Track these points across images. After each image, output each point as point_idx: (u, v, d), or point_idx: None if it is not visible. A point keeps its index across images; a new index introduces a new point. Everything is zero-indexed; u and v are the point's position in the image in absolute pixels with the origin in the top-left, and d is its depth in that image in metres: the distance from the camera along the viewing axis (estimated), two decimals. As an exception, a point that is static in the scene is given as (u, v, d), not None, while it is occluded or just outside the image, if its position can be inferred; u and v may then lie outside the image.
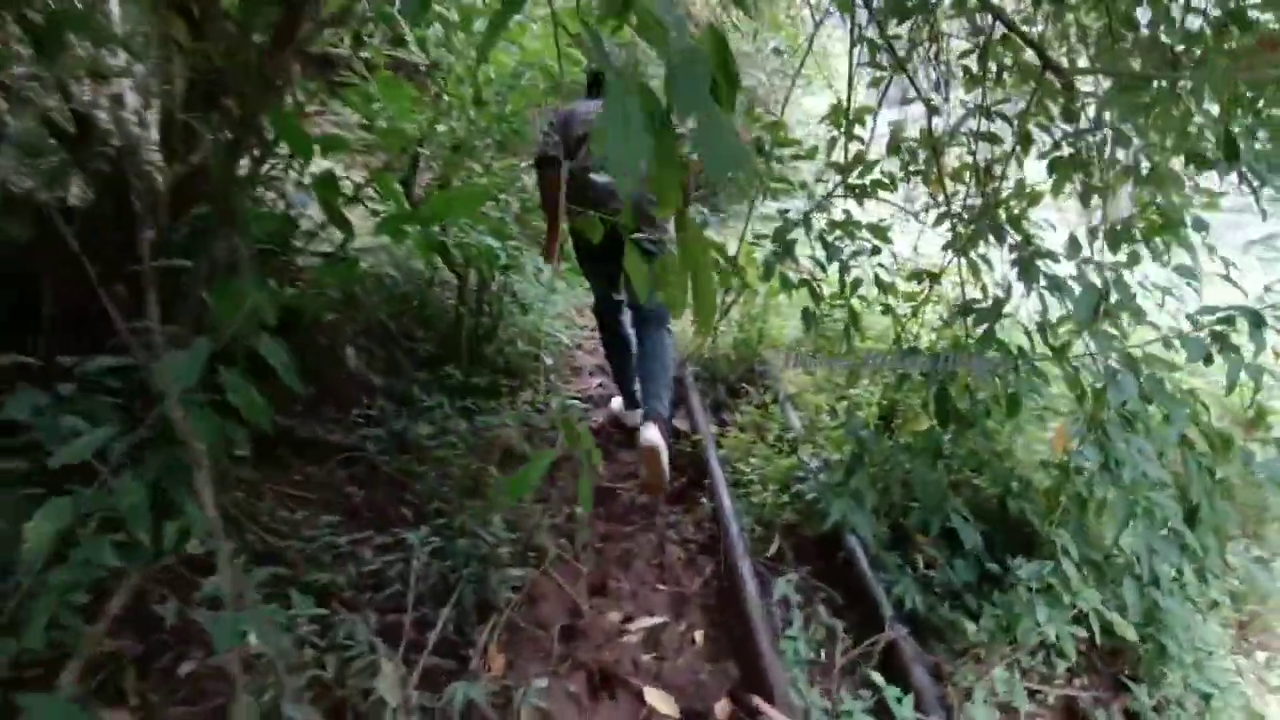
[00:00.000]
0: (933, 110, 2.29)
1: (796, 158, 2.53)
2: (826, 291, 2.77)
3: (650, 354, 3.04)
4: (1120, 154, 2.18)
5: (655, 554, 2.50)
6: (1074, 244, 1.97)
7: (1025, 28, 2.61)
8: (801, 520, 2.53)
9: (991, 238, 2.36)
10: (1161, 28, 2.29)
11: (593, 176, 3.19)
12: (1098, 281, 2.03)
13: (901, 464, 2.24)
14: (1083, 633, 1.80)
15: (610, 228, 3.20)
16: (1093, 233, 2.42)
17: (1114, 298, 2.07)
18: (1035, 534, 2.31)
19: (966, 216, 2.47)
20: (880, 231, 2.51)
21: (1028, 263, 2.22)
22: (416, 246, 1.84)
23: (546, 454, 1.19)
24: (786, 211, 2.38)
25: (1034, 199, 2.43)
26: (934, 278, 2.38)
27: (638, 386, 3.20)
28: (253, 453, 2.62)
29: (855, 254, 2.42)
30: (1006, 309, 2.38)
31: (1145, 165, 2.24)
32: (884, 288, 2.45)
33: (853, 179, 2.49)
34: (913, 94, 2.62)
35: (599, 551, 2.49)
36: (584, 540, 2.52)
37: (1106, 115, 2.05)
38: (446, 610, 2.12)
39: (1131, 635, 1.78)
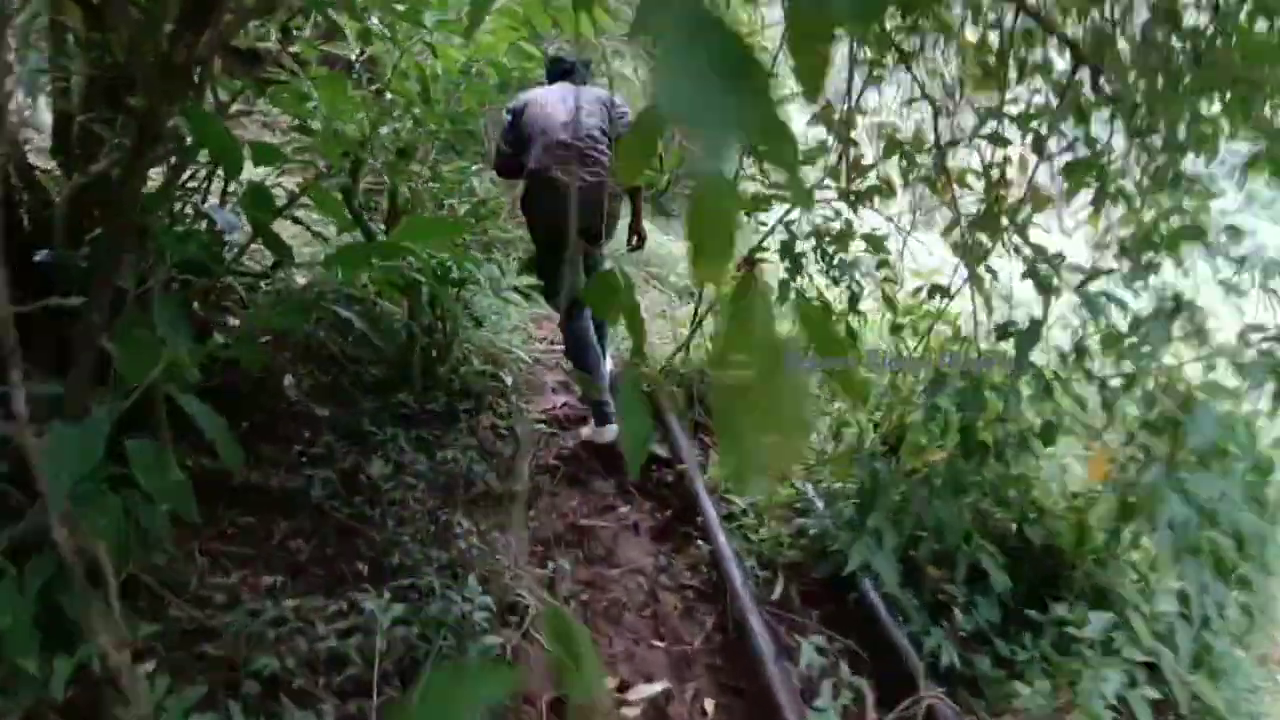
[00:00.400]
0: (938, 110, 2.11)
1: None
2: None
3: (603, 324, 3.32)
4: (1139, 157, 2.04)
5: (647, 603, 2.25)
6: (1137, 270, 1.81)
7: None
8: (805, 558, 2.32)
9: (1001, 247, 2.19)
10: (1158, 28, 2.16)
11: (560, 180, 3.08)
12: (1128, 298, 1.87)
13: (915, 495, 2.05)
14: (1154, 694, 1.64)
15: (578, 230, 3.04)
16: (1100, 244, 2.28)
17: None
18: (1059, 565, 2.15)
19: (970, 224, 2.30)
20: (876, 241, 2.32)
21: (1045, 276, 2.05)
22: (378, 285, 1.54)
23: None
24: (792, 223, 2.16)
25: (1040, 205, 2.27)
26: (946, 293, 2.20)
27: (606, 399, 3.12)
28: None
29: (851, 265, 2.22)
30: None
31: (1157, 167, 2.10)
32: (891, 305, 2.26)
33: (846, 184, 2.28)
34: (907, 94, 2.43)
35: (584, 604, 2.23)
36: (566, 591, 2.25)
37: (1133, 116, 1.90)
38: (417, 691, 1.83)
39: (1219, 703, 1.63)
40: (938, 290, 2.19)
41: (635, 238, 3.38)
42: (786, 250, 2.11)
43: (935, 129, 2.11)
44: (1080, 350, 1.82)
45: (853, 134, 2.33)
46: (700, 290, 3.48)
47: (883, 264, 2.24)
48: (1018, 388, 1.84)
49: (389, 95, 3.18)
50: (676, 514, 2.69)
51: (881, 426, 2.64)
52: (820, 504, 2.49)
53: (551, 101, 3.19)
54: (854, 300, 2.23)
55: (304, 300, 1.71)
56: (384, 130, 3.23)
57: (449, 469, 2.80)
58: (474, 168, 4.02)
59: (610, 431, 3.14)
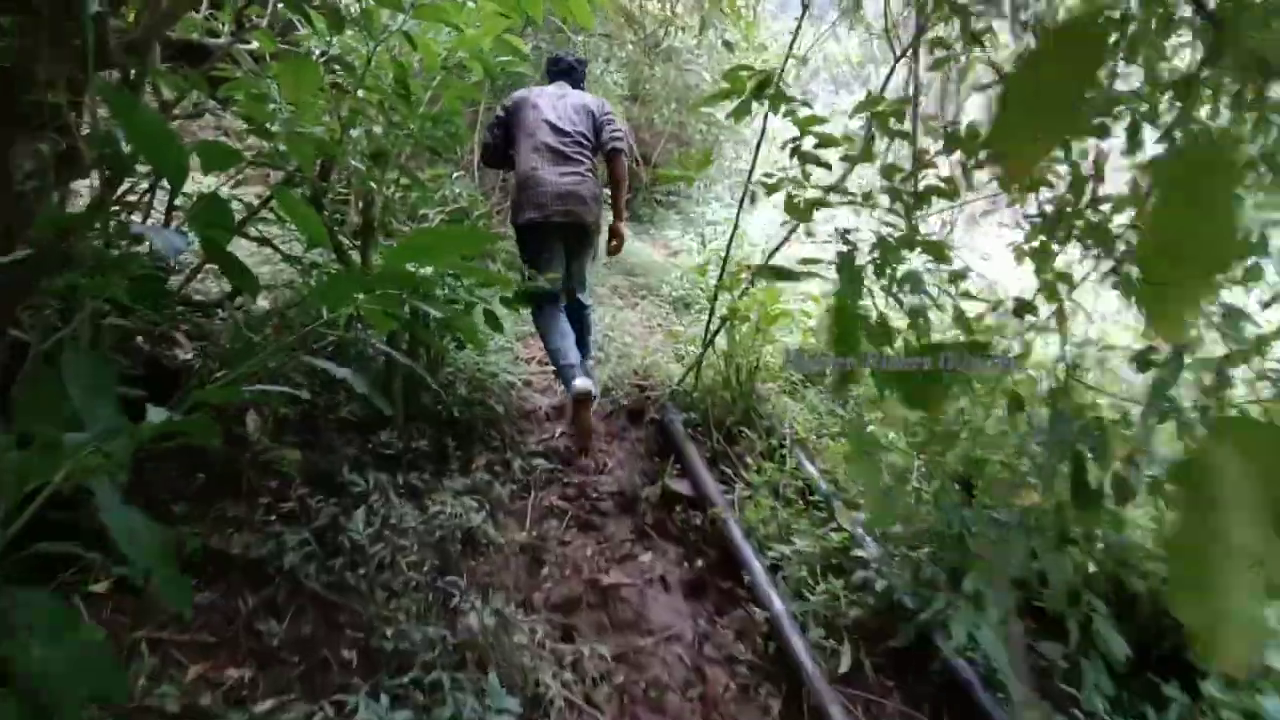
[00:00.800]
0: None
1: (849, 159, 2.00)
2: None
3: (583, 327, 3.51)
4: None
5: (692, 680, 1.91)
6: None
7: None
8: (872, 618, 2.00)
9: (1083, 251, 1.90)
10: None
11: (544, 177, 3.19)
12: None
13: (1010, 545, 1.74)
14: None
15: (559, 225, 3.20)
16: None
17: None
18: (1162, 617, 1.86)
19: (1044, 226, 2.02)
20: (938, 249, 2.02)
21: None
22: (374, 323, 1.18)
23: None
24: (849, 231, 1.84)
25: (1120, 204, 1.99)
26: (1030, 309, 1.90)
27: (574, 361, 3.31)
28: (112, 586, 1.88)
29: (915, 278, 1.91)
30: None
31: None
32: (966, 324, 1.94)
33: (914, 183, 1.98)
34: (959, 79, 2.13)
35: (618, 687, 1.87)
36: (595, 672, 1.90)
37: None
38: (429, 828, 1.47)
39: None
40: (1023, 307, 1.89)
41: (614, 240, 3.52)
42: (846, 265, 1.79)
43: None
44: (1222, 377, 1.54)
45: (905, 125, 2.03)
46: (712, 304, 3.16)
47: (956, 276, 1.93)
48: (1149, 424, 1.56)
49: (361, 92, 2.81)
50: (711, 565, 2.35)
51: (927, 453, 2.32)
52: (874, 549, 2.17)
53: (543, 105, 3.30)
54: (918, 317, 1.93)
55: (276, 356, 1.34)
56: (355, 132, 2.86)
57: (443, 521, 2.42)
58: (455, 174, 3.65)
59: (583, 383, 3.14)
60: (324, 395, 2.77)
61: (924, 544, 2.05)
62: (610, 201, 3.44)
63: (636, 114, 7.38)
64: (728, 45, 5.55)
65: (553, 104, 3.30)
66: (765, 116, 2.81)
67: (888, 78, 2.62)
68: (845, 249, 1.67)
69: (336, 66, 2.58)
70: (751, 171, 2.90)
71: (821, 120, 2.01)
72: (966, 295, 1.92)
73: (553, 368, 3.47)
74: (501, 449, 3.12)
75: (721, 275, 3.16)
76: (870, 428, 2.99)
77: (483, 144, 3.48)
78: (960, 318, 1.85)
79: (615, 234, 3.49)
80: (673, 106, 6.69)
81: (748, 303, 3.09)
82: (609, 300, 5.30)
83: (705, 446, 3.00)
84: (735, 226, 3.07)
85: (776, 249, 2.79)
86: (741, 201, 2.94)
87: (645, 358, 3.93)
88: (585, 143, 3.28)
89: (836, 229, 1.81)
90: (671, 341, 4.22)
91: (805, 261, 1.90)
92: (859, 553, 2.14)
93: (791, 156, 2.05)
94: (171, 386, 2.47)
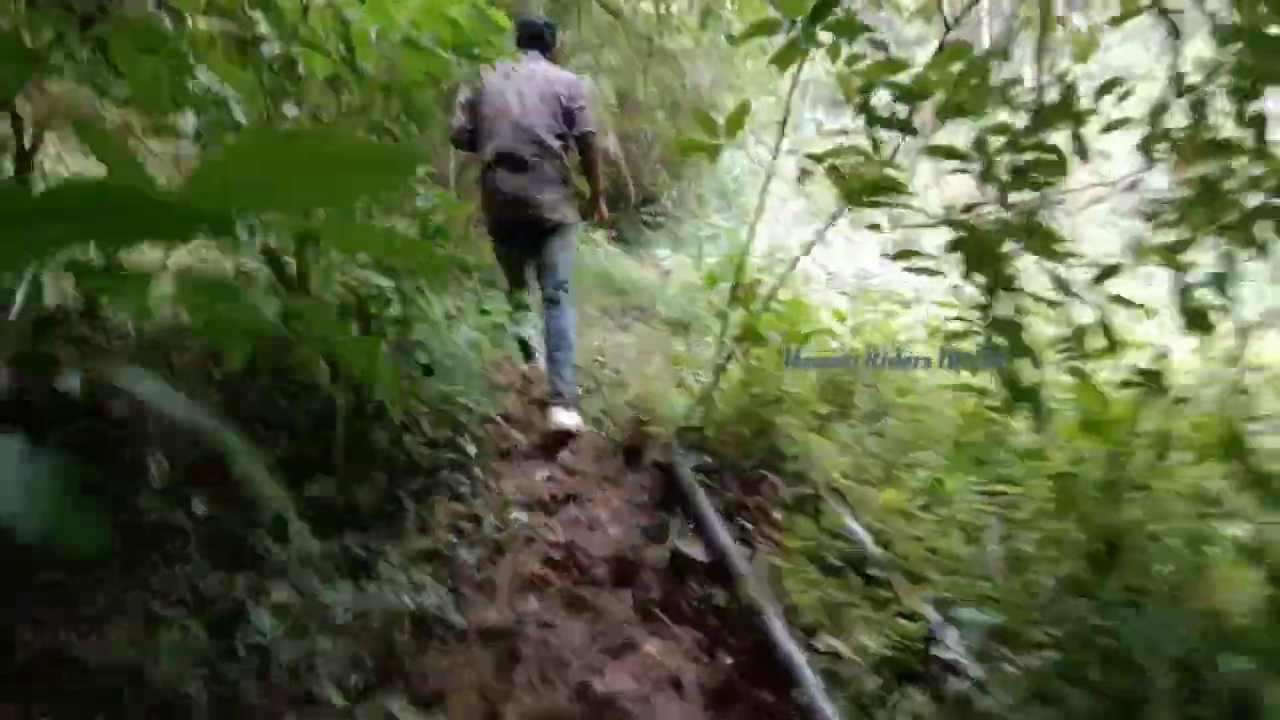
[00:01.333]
0: (1175, 30, 1.31)
1: (946, 111, 1.47)
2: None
3: (559, 334, 3.22)
4: None
5: None
6: None
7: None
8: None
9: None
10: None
11: (503, 183, 3.15)
12: None
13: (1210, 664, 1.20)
14: None
15: (522, 224, 3.21)
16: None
17: None
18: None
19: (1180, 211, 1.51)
20: (1047, 238, 1.49)
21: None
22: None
23: None
24: (971, 208, 1.31)
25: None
26: (1204, 323, 1.37)
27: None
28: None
29: (1072, 286, 1.37)
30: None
31: None
32: (1110, 335, 1.40)
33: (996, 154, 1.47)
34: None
35: None
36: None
37: None
38: None
39: None
40: (1198, 319, 1.36)
41: (596, 215, 3.63)
42: (970, 250, 1.24)
43: (1174, 60, 1.31)
44: None
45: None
46: (724, 323, 2.64)
47: (1107, 273, 1.38)
48: None
49: (299, 63, 2.28)
50: (741, 663, 1.78)
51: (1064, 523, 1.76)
52: (960, 645, 1.61)
53: (509, 98, 3.19)
54: (1081, 334, 1.39)
55: None
56: (290, 109, 2.32)
57: (387, 601, 1.84)
58: (420, 171, 3.12)
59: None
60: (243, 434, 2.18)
61: (1037, 638, 1.50)
62: (587, 186, 3.52)
63: (625, 127, 6.91)
64: (731, 40, 5.08)
65: (519, 90, 3.17)
66: (791, 90, 2.33)
67: (939, 48, 2.12)
68: (962, 234, 1.14)
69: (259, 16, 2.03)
70: (779, 145, 2.39)
71: (900, 66, 1.50)
72: (1119, 300, 1.39)
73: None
74: (470, 499, 2.55)
75: (735, 288, 2.63)
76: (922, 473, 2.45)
77: (454, 125, 3.40)
78: (1107, 333, 1.32)
79: (595, 209, 3.60)
80: (667, 110, 6.19)
81: (768, 320, 2.56)
82: (598, 321, 4.77)
83: (720, 496, 2.44)
84: (754, 226, 2.56)
85: (811, 245, 2.29)
86: (763, 193, 2.43)
87: (643, 386, 3.38)
88: (550, 144, 3.19)
89: (946, 208, 1.29)
90: (672, 367, 3.68)
91: (902, 255, 1.36)
92: (944, 653, 1.57)
93: (858, 114, 1.54)
94: (49, 421, 1.91)
